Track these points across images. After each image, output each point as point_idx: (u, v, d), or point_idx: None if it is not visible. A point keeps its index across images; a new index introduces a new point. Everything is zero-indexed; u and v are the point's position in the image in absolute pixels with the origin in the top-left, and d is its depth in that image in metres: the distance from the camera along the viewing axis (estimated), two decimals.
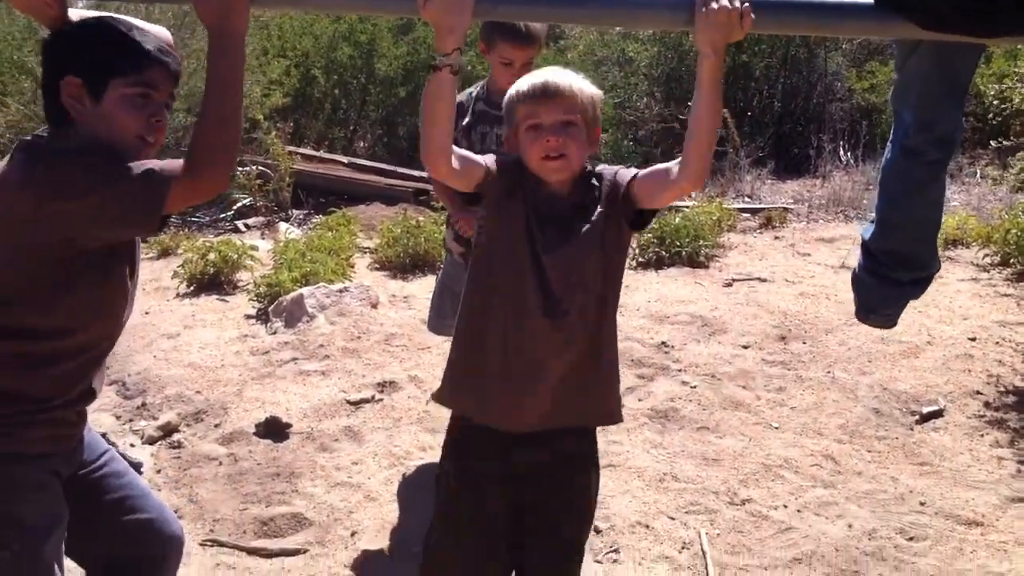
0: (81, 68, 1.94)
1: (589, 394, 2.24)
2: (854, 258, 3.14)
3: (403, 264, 6.60)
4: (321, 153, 9.84)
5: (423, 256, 6.57)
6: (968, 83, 2.82)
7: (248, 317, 5.71)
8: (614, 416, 2.32)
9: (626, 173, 2.24)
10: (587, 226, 2.18)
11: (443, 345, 4.50)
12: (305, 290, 5.43)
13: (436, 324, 3.90)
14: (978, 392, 4.61)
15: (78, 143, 1.92)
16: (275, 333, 5.36)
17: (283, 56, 10.65)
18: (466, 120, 3.46)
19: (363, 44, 12.04)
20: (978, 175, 9.14)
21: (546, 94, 2.17)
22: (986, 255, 6.54)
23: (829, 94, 10.76)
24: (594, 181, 2.24)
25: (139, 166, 1.85)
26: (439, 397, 2.32)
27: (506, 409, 2.20)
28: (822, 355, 5.07)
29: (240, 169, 8.10)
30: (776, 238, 7.47)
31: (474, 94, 3.53)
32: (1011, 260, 6.34)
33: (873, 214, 3.02)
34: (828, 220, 8.02)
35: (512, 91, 2.25)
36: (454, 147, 2.08)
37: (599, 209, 2.20)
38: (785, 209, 8.14)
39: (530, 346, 2.16)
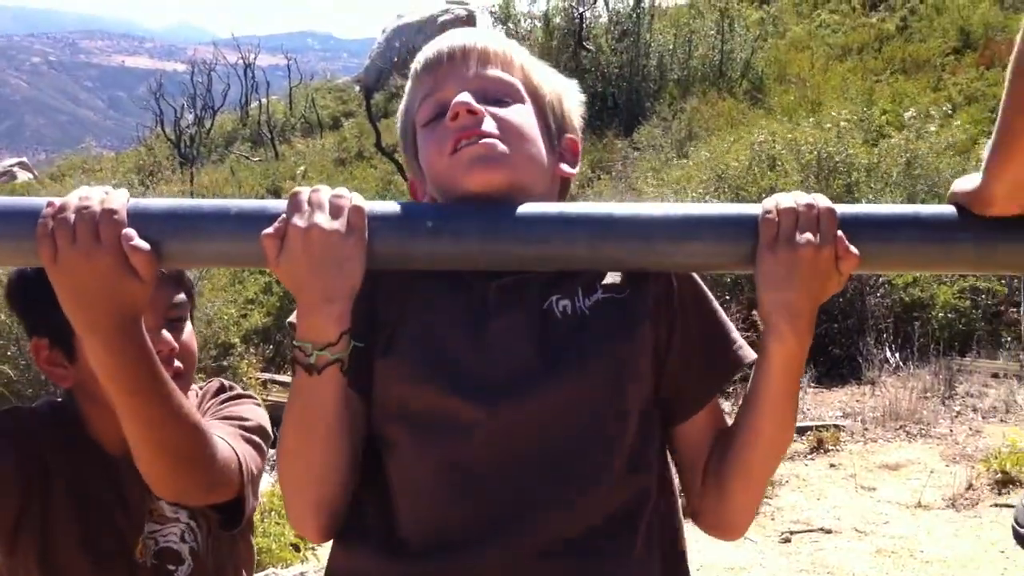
0: (42, 324, 1.51)
1: None
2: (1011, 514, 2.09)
3: None
4: None
5: None
6: None
7: None
8: None
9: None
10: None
11: None
12: None
13: None
14: None
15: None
16: None
17: (262, 272, 9.75)
18: None
19: None
20: None
21: (451, 56, 1.23)
22: None
23: (866, 288, 9.79)
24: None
25: None
26: None
27: None
28: None
29: None
30: (832, 466, 6.31)
31: None
32: None
33: None
34: (888, 439, 6.85)
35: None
36: None
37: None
38: (837, 427, 7.01)
39: None
